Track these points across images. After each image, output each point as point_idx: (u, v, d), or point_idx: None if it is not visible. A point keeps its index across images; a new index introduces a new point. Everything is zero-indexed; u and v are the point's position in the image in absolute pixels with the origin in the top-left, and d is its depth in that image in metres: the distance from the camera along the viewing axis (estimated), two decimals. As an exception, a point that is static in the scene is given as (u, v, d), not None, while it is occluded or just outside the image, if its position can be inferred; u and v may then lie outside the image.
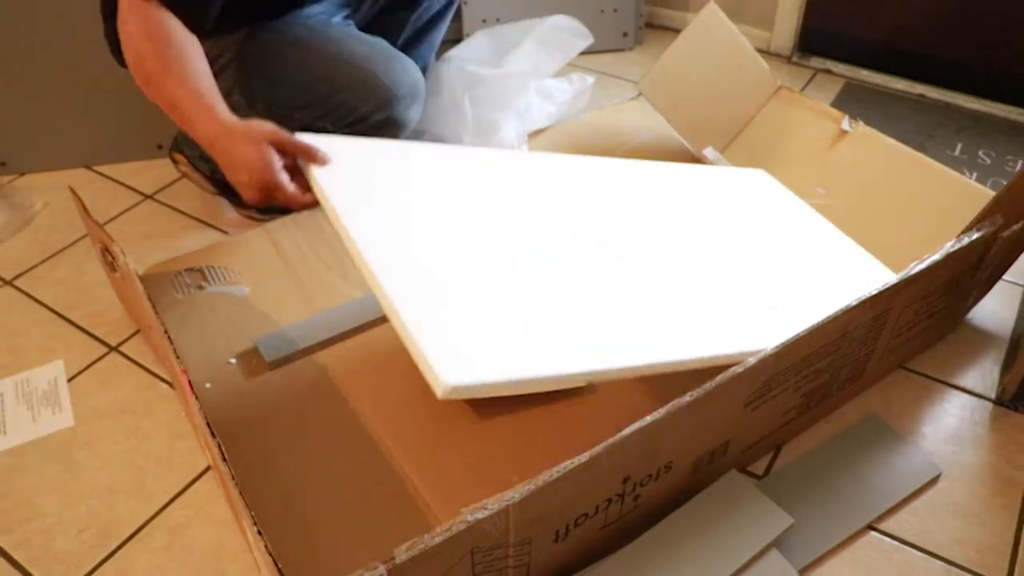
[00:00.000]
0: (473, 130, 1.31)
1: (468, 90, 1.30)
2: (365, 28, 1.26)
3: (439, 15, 1.37)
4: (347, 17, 1.26)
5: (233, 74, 1.11)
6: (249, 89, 1.11)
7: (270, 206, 0.92)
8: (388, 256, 0.82)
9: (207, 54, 1.11)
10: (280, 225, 1.24)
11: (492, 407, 0.97)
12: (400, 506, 0.87)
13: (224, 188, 1.34)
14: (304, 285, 1.14)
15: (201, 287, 1.14)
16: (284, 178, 0.88)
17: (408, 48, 1.33)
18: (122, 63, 1.18)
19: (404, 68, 1.14)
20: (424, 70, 1.38)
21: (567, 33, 1.42)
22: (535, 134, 1.42)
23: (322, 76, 1.09)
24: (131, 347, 1.14)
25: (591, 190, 1.07)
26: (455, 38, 1.63)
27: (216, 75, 1.12)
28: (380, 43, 1.15)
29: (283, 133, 0.88)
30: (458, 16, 1.65)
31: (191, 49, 0.95)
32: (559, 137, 1.42)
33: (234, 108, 1.14)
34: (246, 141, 0.88)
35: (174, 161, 1.35)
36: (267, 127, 0.89)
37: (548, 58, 1.39)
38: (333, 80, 1.09)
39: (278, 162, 0.88)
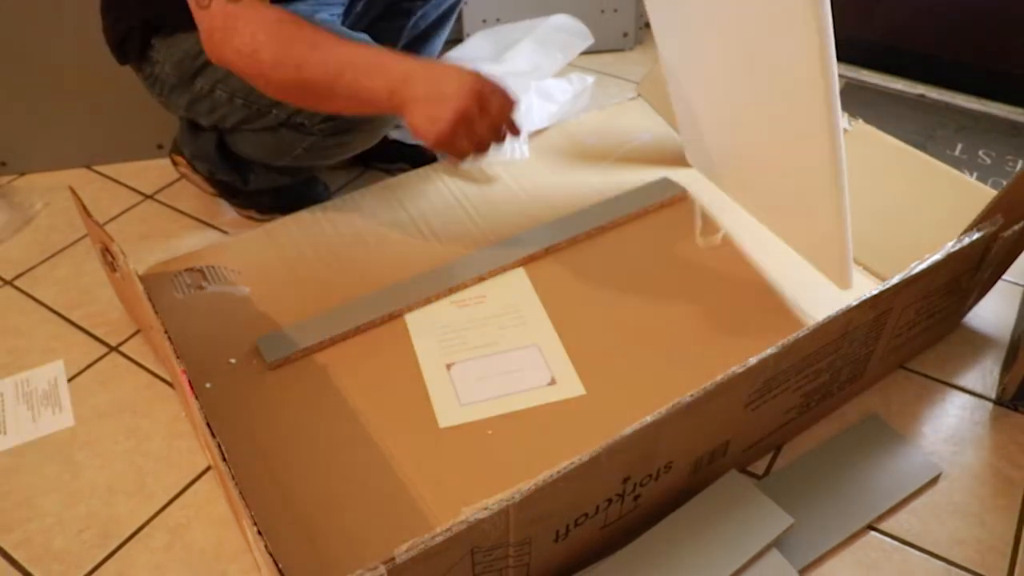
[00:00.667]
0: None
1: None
2: (368, 28, 1.26)
3: (437, 24, 1.37)
4: (341, 16, 1.25)
5: (218, 68, 1.11)
6: (231, 84, 1.11)
7: (453, 147, 0.89)
8: None
9: (194, 49, 1.11)
10: (280, 225, 1.24)
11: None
12: (400, 506, 0.88)
13: (223, 189, 1.34)
14: (304, 285, 1.14)
15: (201, 287, 1.14)
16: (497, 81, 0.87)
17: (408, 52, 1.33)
18: (121, 60, 1.18)
19: None
20: None
21: (567, 33, 1.42)
22: (535, 134, 1.42)
23: None
24: (131, 347, 1.14)
25: None
26: (455, 38, 1.63)
27: (200, 70, 1.12)
28: (362, 38, 1.15)
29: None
30: (458, 16, 1.65)
31: (324, 27, 0.92)
32: (559, 137, 1.42)
33: (216, 103, 1.14)
34: (448, 64, 0.88)
35: (174, 163, 1.35)
36: None
37: (548, 58, 1.39)
38: None
39: None
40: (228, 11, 0.89)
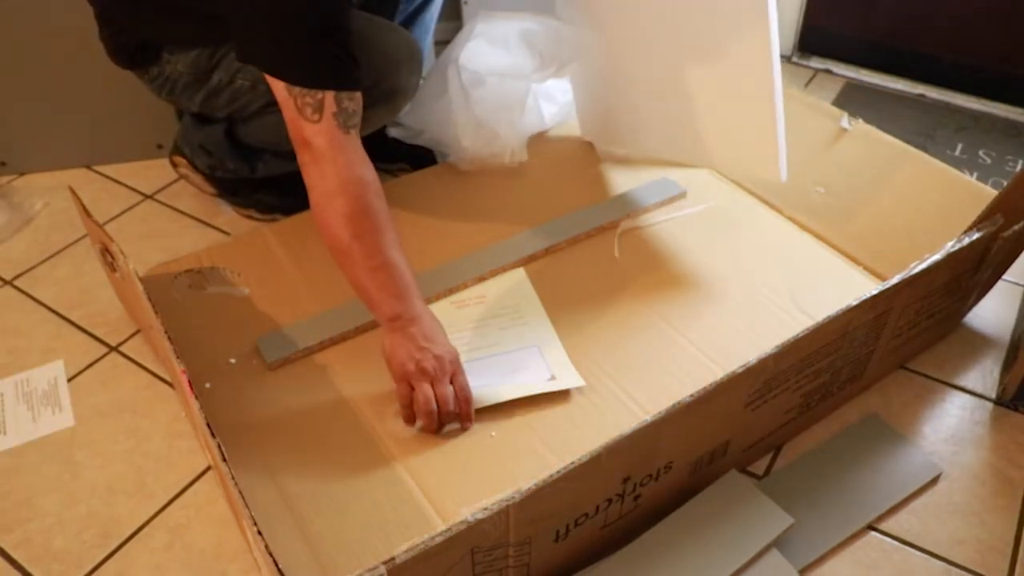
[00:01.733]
0: (473, 131, 1.31)
1: (468, 91, 1.30)
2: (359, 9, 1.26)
3: (426, 3, 1.38)
4: None
5: (235, 59, 1.11)
6: (252, 71, 1.11)
7: (414, 407, 0.95)
8: None
9: (208, 47, 1.11)
10: (280, 226, 1.24)
11: (493, 407, 0.97)
12: (400, 506, 0.88)
13: (223, 188, 1.34)
14: (304, 285, 1.14)
15: (202, 288, 1.14)
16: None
17: None
18: (121, 64, 1.18)
19: (402, 37, 1.15)
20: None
21: (569, 33, 1.42)
22: (536, 135, 1.41)
23: None
24: (131, 347, 1.14)
25: None
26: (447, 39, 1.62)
27: (217, 64, 1.12)
28: (377, 18, 1.16)
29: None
30: (458, 15, 1.65)
31: (385, 201, 0.95)
32: (559, 138, 1.42)
33: (238, 92, 1.14)
34: (444, 331, 0.97)
35: (173, 164, 1.35)
36: None
37: (549, 59, 1.39)
38: None
39: None
40: (336, 138, 0.91)
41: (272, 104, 1.15)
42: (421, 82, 1.24)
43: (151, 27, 1.12)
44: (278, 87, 0.91)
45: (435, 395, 0.93)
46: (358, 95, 0.93)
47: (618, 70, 1.26)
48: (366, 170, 0.93)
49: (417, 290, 0.96)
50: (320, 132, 0.91)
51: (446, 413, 0.93)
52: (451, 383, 0.94)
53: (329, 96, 0.90)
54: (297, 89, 0.90)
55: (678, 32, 1.12)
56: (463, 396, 0.95)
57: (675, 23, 1.12)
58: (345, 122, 0.91)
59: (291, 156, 0.98)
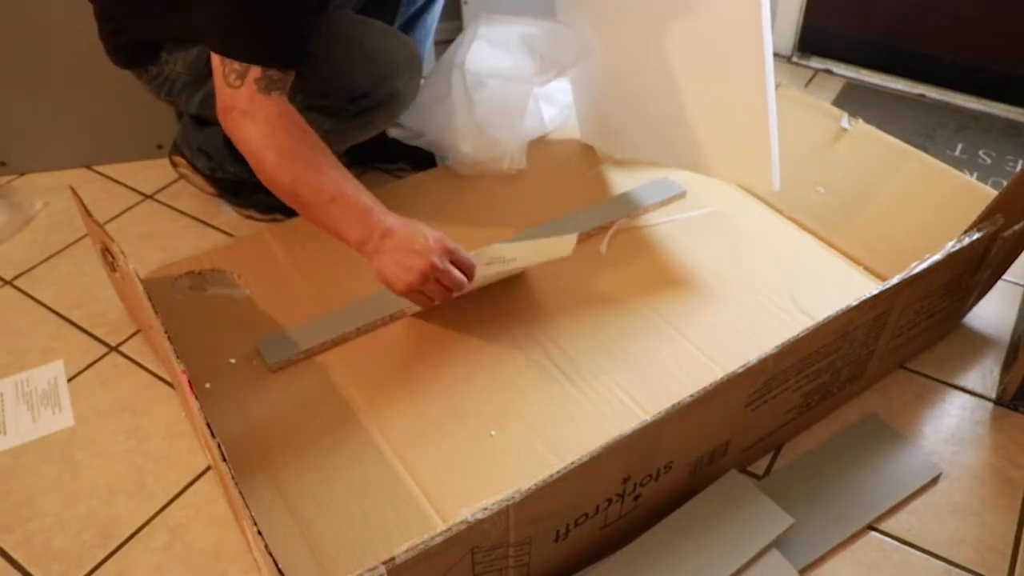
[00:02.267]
0: (474, 137, 1.31)
1: (470, 94, 1.30)
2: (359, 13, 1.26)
3: (428, 4, 1.38)
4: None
5: None
6: None
7: (422, 289, 0.96)
8: None
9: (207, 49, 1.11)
10: (281, 227, 1.24)
11: (494, 407, 0.97)
12: (400, 506, 0.88)
13: (223, 188, 1.34)
14: (305, 287, 1.14)
15: (202, 289, 1.14)
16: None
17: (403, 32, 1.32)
18: (119, 63, 1.18)
19: (402, 42, 1.16)
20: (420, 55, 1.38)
21: (570, 37, 1.42)
22: (537, 138, 1.41)
23: (322, 57, 1.09)
24: (131, 347, 1.14)
25: None
26: (455, 38, 1.62)
27: None
28: (376, 23, 1.16)
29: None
30: (458, 16, 1.65)
31: (325, 145, 0.96)
32: (559, 140, 1.42)
33: None
34: (424, 225, 0.96)
35: (173, 164, 1.35)
36: None
37: (550, 62, 1.39)
38: (332, 60, 1.10)
39: None
40: (255, 99, 0.92)
41: None
42: (422, 82, 1.24)
43: (151, 23, 1.12)
44: (214, 61, 0.93)
45: (446, 285, 0.95)
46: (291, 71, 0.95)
47: (617, 75, 1.26)
48: (285, 118, 0.93)
49: (376, 204, 0.95)
50: (239, 96, 0.92)
51: (462, 290, 0.97)
52: (452, 264, 0.95)
53: (256, 67, 0.91)
54: (228, 60, 0.91)
55: (674, 41, 1.13)
56: (468, 268, 0.97)
57: (671, 32, 1.12)
58: (267, 86, 0.92)
59: None
